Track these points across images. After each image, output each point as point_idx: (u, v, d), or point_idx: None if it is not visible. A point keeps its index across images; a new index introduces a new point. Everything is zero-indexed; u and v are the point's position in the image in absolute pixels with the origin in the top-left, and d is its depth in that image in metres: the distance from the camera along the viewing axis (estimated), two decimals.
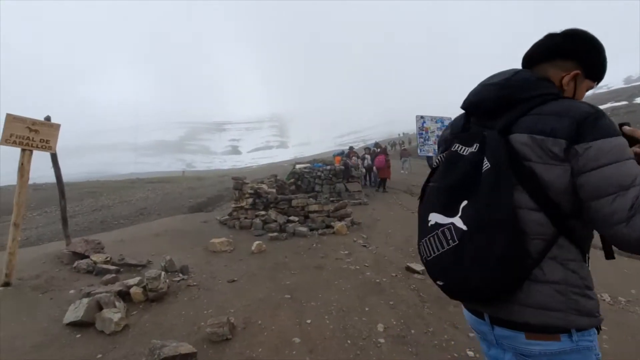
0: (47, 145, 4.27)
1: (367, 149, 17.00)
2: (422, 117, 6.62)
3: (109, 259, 5.01)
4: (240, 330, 3.21)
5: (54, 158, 5.06)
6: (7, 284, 4.05)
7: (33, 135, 4.14)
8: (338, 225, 7.32)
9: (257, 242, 6.05)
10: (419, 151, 6.50)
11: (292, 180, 13.08)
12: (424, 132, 6.47)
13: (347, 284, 4.38)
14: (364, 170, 15.10)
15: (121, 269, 4.84)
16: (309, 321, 3.38)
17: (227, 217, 8.48)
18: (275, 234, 7.00)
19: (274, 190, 8.71)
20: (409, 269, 4.92)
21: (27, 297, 3.86)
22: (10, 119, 3.96)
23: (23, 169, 4.09)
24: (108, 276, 4.28)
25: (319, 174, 12.72)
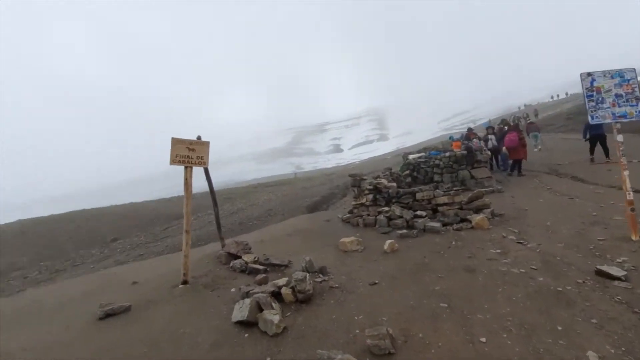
0: (202, 161, 4.90)
1: (489, 127, 14.73)
2: (589, 74, 5.09)
3: (256, 259, 5.43)
4: (402, 344, 2.88)
5: (207, 172, 5.80)
6: (185, 282, 4.76)
7: (191, 153, 4.79)
8: (477, 218, 6.34)
9: (389, 240, 5.69)
10: (590, 119, 5.00)
11: (407, 172, 12.31)
12: (594, 93, 4.95)
13: (516, 292, 3.58)
14: (489, 153, 13.12)
15: (267, 269, 5.17)
16: (483, 340, 2.80)
17: (349, 215, 8.42)
18: (404, 231, 6.52)
19: (394, 185, 8.22)
20: (601, 273, 3.74)
21: (201, 295, 4.44)
22: (175, 142, 4.66)
23: (187, 184, 4.77)
24: (259, 276, 4.58)
25: (437, 162, 11.60)
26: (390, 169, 12.00)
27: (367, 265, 5.08)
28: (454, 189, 9.58)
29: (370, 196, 8.10)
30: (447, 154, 11.57)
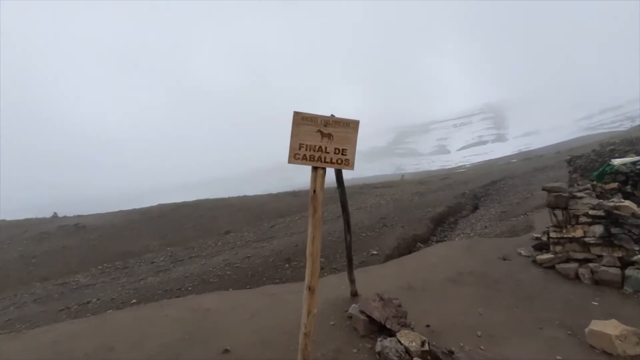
0: (345, 158, 2.58)
1: None
2: None
3: (426, 346, 2.87)
4: None
5: (339, 176, 3.53)
6: None
7: (326, 142, 2.54)
8: None
9: None
10: None
11: (612, 185, 7.94)
12: None
13: None
14: None
15: None
16: None
17: (548, 254, 5.11)
18: None
19: None
20: None
21: None
22: (299, 119, 2.47)
23: (316, 199, 2.54)
24: None
25: None
26: (593, 181, 7.88)
27: None
28: None
29: (598, 228, 4.63)
30: None
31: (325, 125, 2.55)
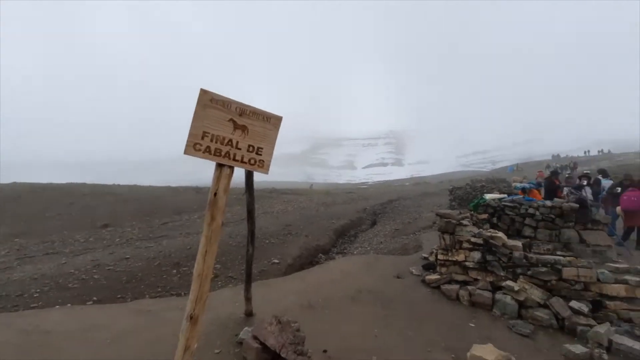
0: (259, 158, 2.10)
1: (584, 176, 11.70)
2: None
3: None
4: None
5: (249, 179, 3.03)
6: None
7: (237, 136, 2.04)
8: None
9: None
10: None
11: (484, 215, 9.36)
12: None
13: None
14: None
15: None
16: None
17: (435, 275, 5.52)
18: (579, 348, 3.59)
19: (520, 244, 5.32)
20: None
21: None
22: (205, 101, 1.90)
23: (216, 204, 2.00)
24: None
25: (531, 211, 8.63)
26: (472, 211, 9.05)
27: None
28: (557, 257, 6.52)
29: (477, 254, 5.22)
30: (549, 203, 8.61)
31: (240, 115, 2.05)
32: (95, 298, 6.87)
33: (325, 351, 3.17)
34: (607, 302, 4.35)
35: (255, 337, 2.97)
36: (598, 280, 4.47)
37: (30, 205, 19.73)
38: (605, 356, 3.44)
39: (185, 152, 1.92)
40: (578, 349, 3.52)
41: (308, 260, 10.33)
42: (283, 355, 2.80)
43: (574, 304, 4.30)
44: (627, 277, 4.44)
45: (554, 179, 12.04)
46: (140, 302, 4.65)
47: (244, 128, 2.05)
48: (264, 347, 2.88)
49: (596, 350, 3.51)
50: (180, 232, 14.35)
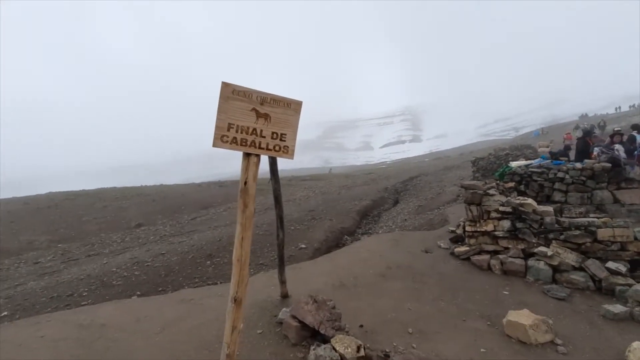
0: (283, 144, 2.17)
1: (616, 134, 11.06)
2: None
3: (361, 351, 2.69)
4: None
5: (274, 166, 3.12)
6: None
7: (261, 125, 2.10)
8: None
9: (638, 343, 2.75)
10: None
11: (510, 184, 9.11)
12: None
13: None
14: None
15: None
16: None
17: (464, 247, 5.50)
18: (618, 307, 3.53)
19: (551, 209, 5.19)
20: None
21: None
22: (228, 92, 1.96)
23: (247, 192, 2.09)
24: None
25: (560, 175, 8.31)
26: (498, 180, 8.86)
27: None
28: (591, 219, 6.27)
29: (506, 223, 5.14)
30: (579, 165, 8.25)
31: (261, 104, 2.10)
32: (138, 292, 7.33)
33: (361, 326, 3.28)
34: None
35: (293, 317, 3.11)
36: (635, 239, 4.32)
37: (67, 211, 20.92)
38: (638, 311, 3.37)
39: (214, 145, 2.01)
40: (617, 308, 3.46)
41: (334, 243, 10.49)
42: (322, 331, 2.93)
43: (610, 264, 4.19)
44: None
45: (587, 139, 11.46)
46: (181, 293, 4.94)
47: (266, 116, 2.11)
48: (303, 325, 3.02)
49: (637, 309, 3.44)
50: (208, 225, 14.87)
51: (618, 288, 3.90)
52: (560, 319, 3.37)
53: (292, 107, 2.21)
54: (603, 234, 4.47)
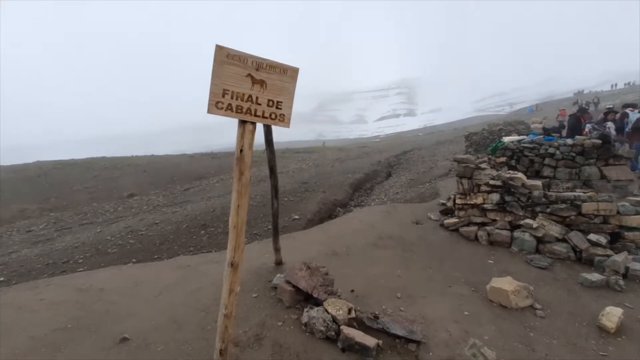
0: (279, 112, 2.14)
1: (610, 112, 11.14)
2: None
3: (352, 313, 2.84)
4: None
5: (269, 135, 3.10)
6: None
7: (257, 91, 2.07)
8: None
9: (613, 310, 2.95)
10: None
11: (502, 159, 9.24)
12: None
13: None
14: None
15: (380, 343, 2.59)
16: None
17: (453, 218, 5.66)
18: (595, 275, 3.73)
19: (539, 183, 5.32)
20: None
21: None
22: (222, 57, 1.91)
23: (243, 161, 2.09)
24: None
25: (551, 150, 8.43)
26: (490, 155, 8.95)
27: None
28: (577, 193, 6.45)
29: (495, 196, 5.28)
30: (570, 141, 8.37)
31: (257, 70, 2.05)
32: (134, 260, 7.45)
33: (352, 291, 3.44)
34: (626, 233, 4.42)
35: (288, 282, 3.23)
36: (618, 212, 4.50)
37: (57, 181, 20.63)
38: (621, 282, 3.59)
39: (209, 112, 1.98)
40: (594, 276, 3.68)
41: (327, 215, 10.66)
42: (315, 295, 3.07)
43: (592, 236, 4.39)
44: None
45: (579, 115, 11.56)
46: (178, 259, 5.05)
47: (262, 83, 2.07)
48: (297, 289, 3.15)
49: (612, 277, 3.66)
50: (201, 196, 14.90)
51: (597, 258, 4.11)
52: (540, 286, 3.57)
53: (289, 73, 2.16)
54: (587, 207, 4.64)
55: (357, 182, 15.28)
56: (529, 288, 3.31)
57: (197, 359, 2.39)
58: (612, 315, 2.89)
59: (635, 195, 6.05)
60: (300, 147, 38.27)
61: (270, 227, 9.40)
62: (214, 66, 1.92)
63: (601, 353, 2.61)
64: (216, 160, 24.45)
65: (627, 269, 3.80)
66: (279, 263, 3.93)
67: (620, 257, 3.90)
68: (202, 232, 9.20)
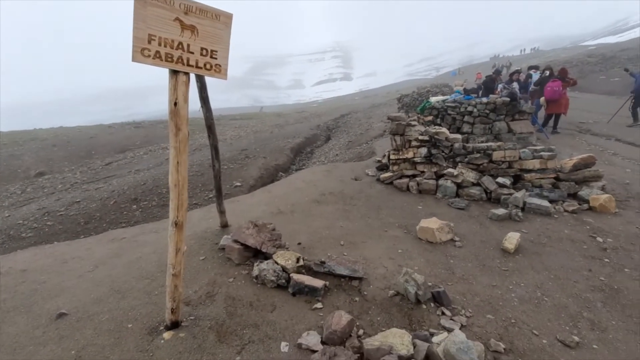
0: (214, 62, 2.02)
1: (516, 72, 12.64)
2: None
3: (300, 262, 3.03)
4: None
5: (203, 91, 2.93)
6: (175, 325, 2.27)
7: (187, 38, 1.92)
8: (602, 197, 4.45)
9: (513, 234, 3.59)
10: None
11: (429, 117, 10.05)
12: None
13: None
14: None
15: (327, 284, 2.84)
16: None
17: (388, 173, 6.12)
18: (501, 211, 4.44)
19: (459, 137, 5.95)
20: None
21: None
22: None
23: (178, 113, 1.97)
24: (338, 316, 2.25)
25: (470, 109, 9.42)
26: (419, 114, 9.60)
27: (499, 279, 3.01)
28: (489, 144, 7.51)
29: (423, 150, 5.81)
30: (485, 100, 9.40)
31: (186, 13, 1.89)
32: (56, 242, 6.71)
33: (299, 243, 3.61)
34: (525, 175, 5.28)
35: (236, 241, 3.27)
36: (520, 158, 5.33)
37: None
38: (520, 214, 4.36)
39: (134, 60, 1.79)
40: (500, 211, 4.40)
41: (269, 180, 10.65)
42: (264, 250, 3.17)
43: (500, 179, 5.16)
44: (542, 153, 5.34)
45: (494, 77, 12.92)
46: (111, 233, 4.69)
47: (192, 28, 1.91)
48: (246, 247, 3.21)
49: (513, 211, 4.42)
50: (128, 170, 13.61)
51: (503, 197, 4.89)
52: (459, 223, 4.17)
53: (222, 19, 2.03)
54: (497, 155, 5.39)
55: (297, 147, 15.35)
56: (450, 225, 3.85)
57: (148, 321, 2.36)
58: (512, 239, 3.55)
59: (534, 145, 7.17)
60: (237, 114, 36.46)
61: (211, 196, 9.10)
62: (135, 5, 1.72)
63: (503, 268, 3.23)
64: (141, 129, 22.17)
65: (524, 203, 4.60)
66: (224, 226, 3.90)
67: (519, 194, 4.70)
68: (134, 206, 8.55)
